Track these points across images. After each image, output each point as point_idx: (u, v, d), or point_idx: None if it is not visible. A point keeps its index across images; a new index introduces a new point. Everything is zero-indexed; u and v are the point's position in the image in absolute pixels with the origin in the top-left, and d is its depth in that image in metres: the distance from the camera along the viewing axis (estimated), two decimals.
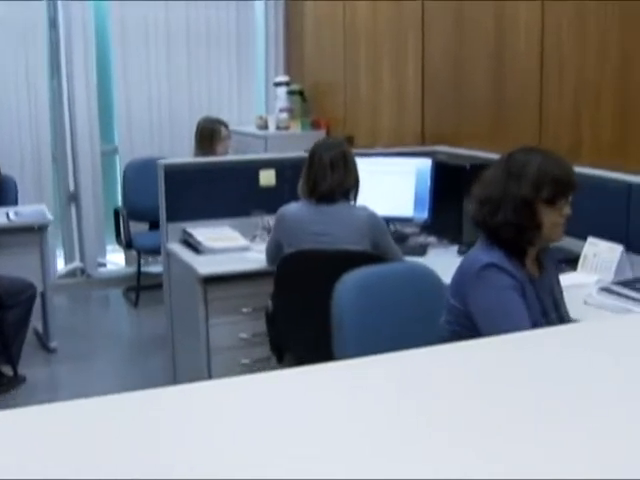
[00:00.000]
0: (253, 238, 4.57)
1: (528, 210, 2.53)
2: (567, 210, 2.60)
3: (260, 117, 7.33)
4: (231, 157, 5.14)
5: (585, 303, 3.34)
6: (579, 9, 4.16)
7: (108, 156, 7.59)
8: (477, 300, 2.53)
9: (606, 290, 3.33)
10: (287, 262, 3.70)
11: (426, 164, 4.47)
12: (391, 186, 4.52)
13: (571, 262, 3.86)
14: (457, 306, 2.59)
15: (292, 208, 3.87)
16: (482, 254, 2.56)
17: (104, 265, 7.63)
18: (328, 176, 3.75)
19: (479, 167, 3.13)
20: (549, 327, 2.60)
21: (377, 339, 2.91)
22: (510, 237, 2.54)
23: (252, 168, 4.79)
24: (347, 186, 3.81)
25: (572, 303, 3.29)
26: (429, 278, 3.03)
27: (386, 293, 2.99)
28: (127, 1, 7.23)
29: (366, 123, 6.37)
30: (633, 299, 3.21)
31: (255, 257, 4.26)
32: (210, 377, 4.25)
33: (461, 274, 2.59)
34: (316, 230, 3.72)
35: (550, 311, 2.64)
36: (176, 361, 4.77)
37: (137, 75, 7.37)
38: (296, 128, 7.06)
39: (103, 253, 7.60)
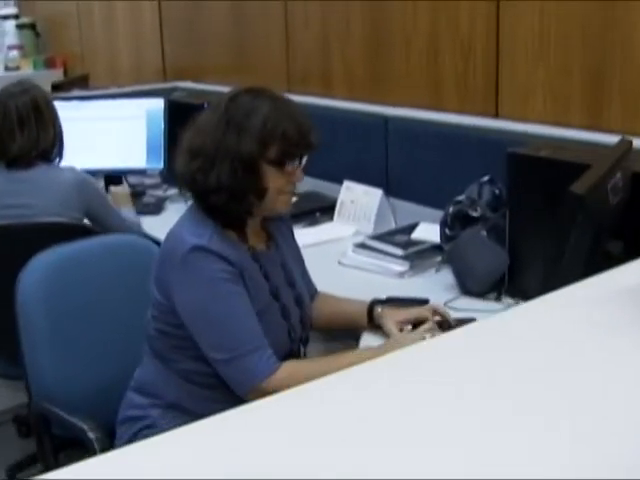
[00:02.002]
0: None
1: (248, 171, 1.95)
2: (299, 175, 2.05)
3: None
4: None
5: (339, 263, 2.84)
6: None
7: None
8: (182, 295, 1.95)
9: (361, 246, 2.84)
10: None
11: (158, 105, 3.81)
12: (119, 133, 3.82)
13: (327, 210, 3.36)
14: (160, 300, 2.00)
15: None
16: (188, 231, 1.97)
17: None
18: (17, 136, 2.98)
19: None
20: (284, 311, 2.08)
21: (76, 339, 2.29)
22: (222, 205, 1.96)
23: None
24: (44, 145, 3.04)
25: (326, 264, 2.83)
26: (143, 255, 2.39)
27: (84, 278, 2.34)
28: None
29: (104, 60, 5.60)
30: (389, 254, 2.74)
31: None
32: None
33: (163, 259, 1.99)
34: (8, 202, 2.97)
35: (283, 290, 2.09)
36: None
37: None
38: (28, 68, 6.17)
39: None
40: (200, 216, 1.99)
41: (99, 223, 3.08)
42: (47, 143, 3.04)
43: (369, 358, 1.97)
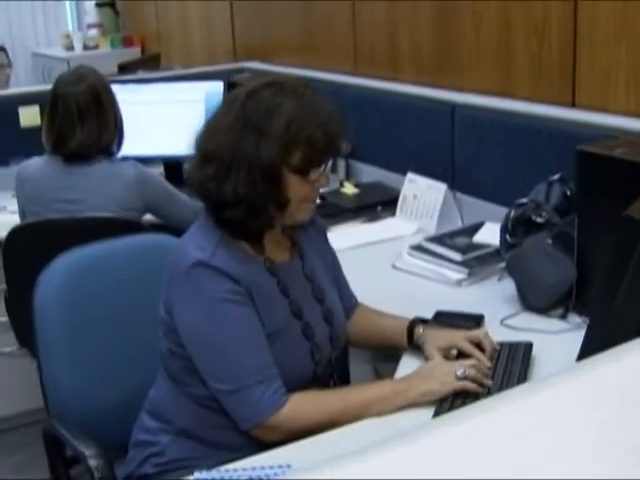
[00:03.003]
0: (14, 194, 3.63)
1: (269, 180, 1.70)
2: (323, 181, 1.79)
3: (66, 35, 6.29)
4: None
5: (393, 267, 2.58)
6: None
7: None
8: (182, 315, 1.73)
9: (417, 249, 2.57)
10: (16, 236, 2.80)
11: (217, 88, 3.60)
12: (178, 118, 3.62)
13: (390, 204, 3.09)
14: (164, 317, 1.78)
15: (33, 166, 2.91)
16: (192, 243, 1.74)
17: None
18: (77, 129, 2.78)
19: None
20: (307, 329, 1.83)
21: (95, 351, 2.10)
22: (238, 219, 1.72)
23: (9, 104, 3.83)
24: (106, 141, 2.84)
25: (378, 267, 2.60)
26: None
27: (106, 283, 2.15)
28: None
29: (178, 39, 5.42)
30: (447, 259, 2.46)
31: (6, 220, 3.33)
32: None
33: (168, 273, 1.77)
34: (64, 197, 2.80)
35: (308, 306, 1.84)
36: None
37: None
38: (106, 47, 6.06)
39: None
40: (210, 226, 1.76)
41: (162, 215, 2.92)
42: (108, 138, 2.86)
43: (391, 394, 1.75)
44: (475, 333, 1.93)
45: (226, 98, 1.82)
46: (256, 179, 1.69)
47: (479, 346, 1.87)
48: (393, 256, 2.62)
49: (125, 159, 2.92)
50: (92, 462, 1.84)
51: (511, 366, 1.81)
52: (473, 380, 1.72)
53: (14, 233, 2.81)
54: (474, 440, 0.92)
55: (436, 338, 1.91)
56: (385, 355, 2.16)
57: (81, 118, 2.79)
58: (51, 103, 2.85)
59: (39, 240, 2.70)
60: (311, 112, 1.71)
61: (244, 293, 1.70)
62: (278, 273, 1.81)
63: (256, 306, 1.73)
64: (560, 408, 0.98)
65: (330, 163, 1.77)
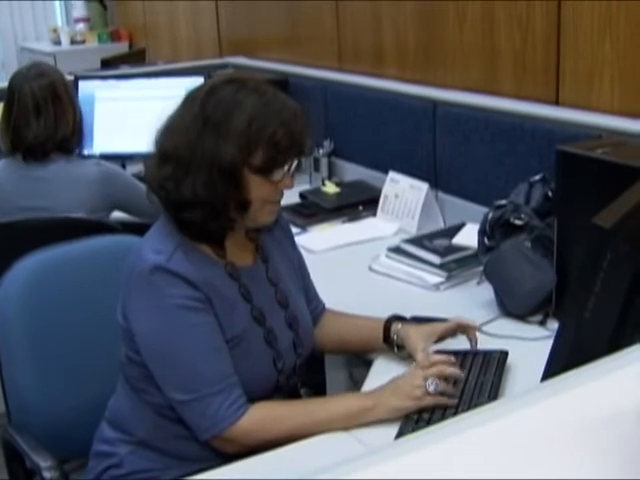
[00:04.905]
0: None
1: (229, 181, 1.62)
2: (287, 183, 1.70)
3: (54, 30, 6.21)
4: None
5: (370, 269, 2.50)
6: None
7: None
8: (138, 321, 1.65)
9: (395, 251, 2.49)
10: None
11: (197, 84, 3.50)
12: (157, 114, 3.54)
13: (371, 203, 3.02)
14: (120, 321, 1.71)
15: None
16: (149, 246, 1.66)
17: None
18: (33, 123, 2.68)
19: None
20: (269, 335, 1.75)
21: (57, 357, 2.02)
22: (197, 220, 1.65)
23: None
24: (63, 134, 2.72)
25: (354, 270, 2.53)
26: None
27: (69, 284, 2.07)
28: None
29: (165, 34, 5.34)
30: (425, 261, 2.38)
31: None
32: None
33: (124, 276, 1.69)
34: (26, 204, 2.68)
35: (270, 312, 1.77)
36: None
37: None
38: (94, 41, 5.98)
39: None
40: (169, 228, 1.68)
41: (129, 210, 2.84)
42: (66, 132, 2.74)
43: (357, 411, 1.67)
44: (456, 320, 1.87)
45: (185, 96, 1.73)
46: (216, 180, 1.62)
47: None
48: (371, 258, 2.55)
49: (86, 157, 2.83)
50: (47, 474, 1.77)
51: (483, 376, 1.73)
52: (443, 393, 1.65)
53: None
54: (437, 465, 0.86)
55: (419, 331, 1.84)
56: (360, 360, 2.09)
57: (37, 110, 2.69)
58: (7, 100, 2.75)
59: (4, 242, 2.53)
60: (273, 110, 1.64)
61: (203, 299, 1.63)
62: (239, 277, 1.73)
63: (216, 311, 1.65)
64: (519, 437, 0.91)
65: (295, 163, 1.69)
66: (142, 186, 2.77)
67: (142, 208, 2.74)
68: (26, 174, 2.72)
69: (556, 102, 2.49)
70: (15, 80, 2.74)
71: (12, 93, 2.72)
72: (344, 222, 2.96)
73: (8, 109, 2.73)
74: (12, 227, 2.62)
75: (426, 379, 1.64)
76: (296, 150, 1.66)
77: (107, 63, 4.48)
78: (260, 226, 1.77)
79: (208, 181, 1.61)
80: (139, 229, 2.12)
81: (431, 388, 1.62)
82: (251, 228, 1.77)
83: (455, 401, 1.65)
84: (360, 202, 3.04)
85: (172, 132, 1.68)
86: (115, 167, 2.87)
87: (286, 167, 1.67)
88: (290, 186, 1.70)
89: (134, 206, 2.81)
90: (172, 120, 1.70)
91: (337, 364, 2.19)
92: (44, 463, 1.79)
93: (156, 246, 1.65)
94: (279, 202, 1.73)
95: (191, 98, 1.69)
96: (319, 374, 2.21)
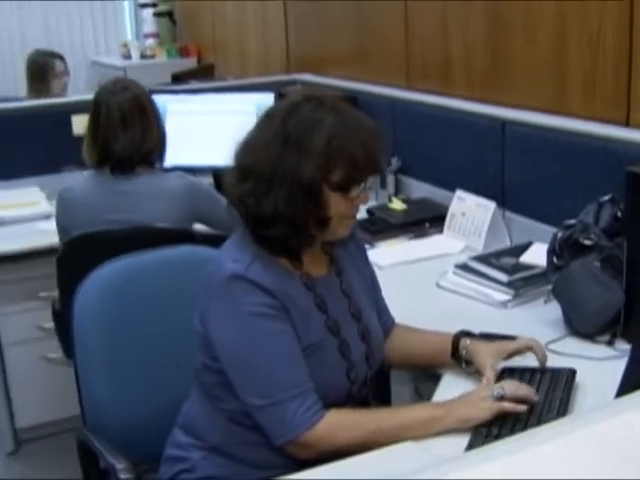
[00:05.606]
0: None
1: (309, 198, 1.67)
2: (363, 198, 1.75)
3: (124, 45, 6.36)
4: (39, 101, 4.22)
5: (438, 286, 2.53)
6: None
7: None
8: (217, 328, 1.71)
9: (462, 268, 2.52)
10: (72, 246, 2.76)
11: (268, 100, 3.58)
12: (228, 128, 3.60)
13: (437, 221, 3.05)
14: (198, 328, 1.77)
15: (75, 190, 2.85)
16: (228, 256, 1.72)
17: None
18: (120, 136, 2.75)
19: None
20: (342, 346, 1.79)
21: (132, 364, 2.08)
22: (278, 237, 1.70)
23: (62, 113, 3.88)
24: (148, 147, 2.80)
25: (422, 286, 2.56)
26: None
27: (144, 293, 2.13)
28: None
29: (234, 49, 5.44)
30: (492, 279, 2.41)
31: (55, 227, 3.34)
32: (5, 374, 3.45)
33: (205, 285, 1.75)
34: (110, 218, 2.75)
35: (344, 323, 1.81)
36: None
37: None
38: (162, 56, 6.10)
39: None
40: (246, 240, 1.74)
41: (208, 222, 2.90)
42: (151, 144, 2.81)
43: (429, 419, 1.70)
44: (526, 340, 1.90)
45: (265, 113, 1.79)
46: (296, 196, 1.66)
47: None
48: (438, 274, 2.58)
49: (170, 170, 2.89)
50: (123, 476, 1.83)
51: (552, 393, 1.75)
52: (512, 399, 1.67)
53: (70, 243, 2.77)
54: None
55: (488, 348, 1.87)
56: (426, 375, 2.11)
57: (124, 123, 2.76)
58: (93, 114, 2.81)
59: (94, 251, 2.51)
60: (351, 128, 1.68)
61: (280, 307, 1.68)
62: (315, 287, 1.78)
63: (292, 320, 1.70)
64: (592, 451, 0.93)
65: (370, 180, 1.74)
66: (222, 199, 2.84)
67: (222, 221, 2.78)
68: (113, 187, 2.78)
69: (626, 123, 2.49)
70: (101, 94, 2.81)
71: (98, 107, 2.78)
72: (411, 238, 3.00)
73: (95, 123, 2.79)
74: (97, 238, 2.70)
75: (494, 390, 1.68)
76: (373, 168, 1.71)
77: (177, 78, 4.58)
78: (336, 239, 1.82)
79: (289, 198, 1.66)
80: (214, 240, 2.20)
81: (496, 392, 1.67)
82: (327, 241, 1.81)
83: (525, 408, 1.67)
84: (427, 219, 3.08)
85: (252, 148, 1.73)
86: (197, 180, 2.94)
87: (362, 184, 1.71)
88: (365, 201, 1.75)
89: (214, 219, 2.87)
90: (252, 136, 1.75)
91: (402, 379, 2.22)
92: (119, 465, 1.86)
93: (234, 256, 1.70)
94: (355, 217, 1.78)
95: (271, 115, 1.74)
96: (384, 388, 2.24)
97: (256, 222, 1.71)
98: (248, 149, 1.75)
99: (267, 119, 1.75)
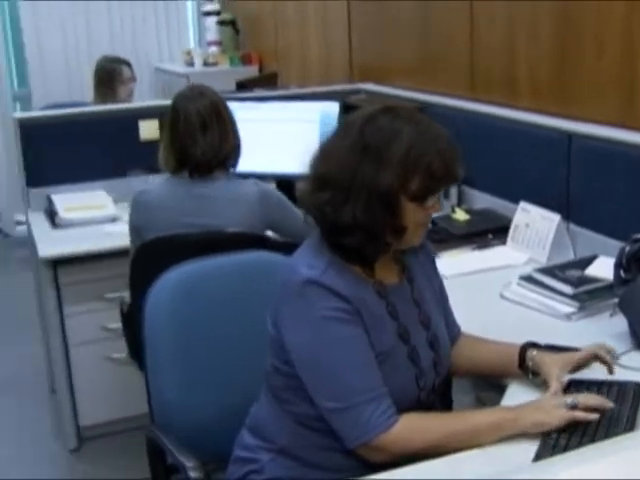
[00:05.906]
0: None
1: (387, 207, 1.70)
2: (437, 207, 1.78)
3: (187, 52, 6.46)
4: (107, 106, 4.31)
5: (502, 297, 2.54)
6: None
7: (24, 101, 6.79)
8: (291, 332, 1.74)
9: (527, 279, 2.52)
10: (144, 251, 2.80)
11: (333, 108, 3.63)
12: (293, 136, 3.67)
13: (501, 232, 3.05)
14: (271, 331, 1.80)
15: (152, 194, 2.89)
16: (302, 262, 1.75)
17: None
18: (199, 139, 2.80)
19: None
20: (412, 353, 1.82)
21: (202, 365, 2.13)
22: (355, 245, 1.73)
23: (130, 118, 3.96)
24: (226, 152, 2.86)
25: (486, 296, 2.57)
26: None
27: (215, 296, 2.18)
28: None
29: (296, 58, 5.50)
30: (557, 291, 2.41)
31: (122, 230, 3.41)
32: (70, 373, 3.53)
33: (279, 289, 1.79)
34: (190, 221, 2.79)
35: (414, 331, 1.84)
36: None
37: (47, 10, 6.47)
38: (225, 64, 6.19)
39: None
40: (320, 247, 1.77)
41: (279, 230, 2.95)
42: (228, 149, 2.87)
43: (501, 421, 1.72)
44: (591, 348, 1.91)
45: (342, 123, 1.82)
46: (374, 205, 1.69)
47: None
48: (502, 285, 2.59)
49: (245, 176, 2.93)
50: (192, 474, 1.87)
51: (619, 407, 1.75)
52: (584, 408, 1.68)
53: (146, 246, 2.81)
54: None
55: (555, 359, 1.88)
56: (488, 384, 2.13)
57: (203, 128, 2.81)
58: (171, 120, 2.86)
59: (169, 254, 2.52)
60: (429, 139, 1.71)
61: (353, 312, 1.71)
62: (387, 295, 1.80)
63: (365, 326, 1.73)
64: None
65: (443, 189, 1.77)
66: (293, 207, 2.88)
67: (292, 229, 2.84)
68: (190, 191, 2.83)
69: None
70: (178, 101, 2.87)
71: (177, 113, 2.84)
72: (474, 249, 3.01)
73: (173, 129, 2.84)
74: (173, 241, 2.75)
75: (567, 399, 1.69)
76: (450, 178, 1.73)
77: (242, 85, 4.65)
78: (409, 247, 1.84)
79: (367, 207, 1.69)
80: (284, 247, 2.24)
81: (569, 400, 1.68)
82: (399, 250, 1.84)
83: (597, 416, 1.67)
84: (490, 230, 3.09)
85: (329, 157, 1.76)
86: (271, 188, 2.98)
87: (437, 195, 1.74)
88: (439, 210, 1.78)
89: (284, 227, 2.92)
90: (328, 145, 1.79)
91: (464, 387, 2.24)
92: (189, 463, 1.90)
93: (309, 262, 1.74)
94: (428, 224, 1.81)
95: (348, 125, 1.77)
96: (447, 396, 2.26)
97: (332, 230, 1.74)
98: (325, 158, 1.78)
99: (344, 129, 1.78)
